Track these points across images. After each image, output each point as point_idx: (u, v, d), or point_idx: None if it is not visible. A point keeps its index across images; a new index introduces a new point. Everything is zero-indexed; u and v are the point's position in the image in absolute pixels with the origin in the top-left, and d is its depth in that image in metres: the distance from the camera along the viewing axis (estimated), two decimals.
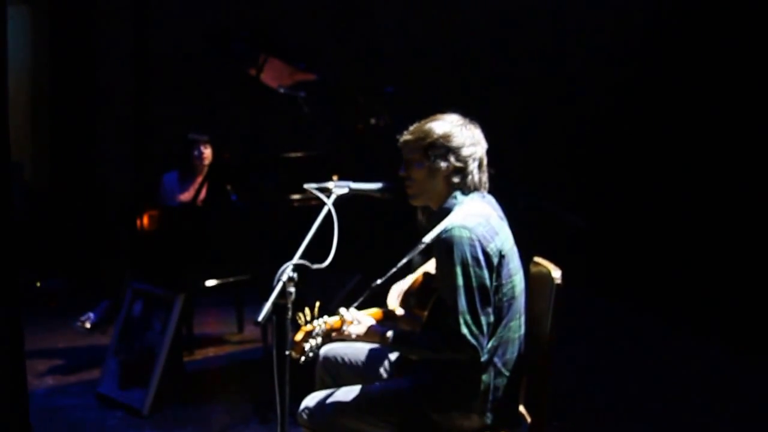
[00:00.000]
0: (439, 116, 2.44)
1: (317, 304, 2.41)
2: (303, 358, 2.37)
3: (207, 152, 4.94)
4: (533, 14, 6.90)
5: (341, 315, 2.41)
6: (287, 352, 2.25)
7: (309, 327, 2.38)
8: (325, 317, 2.40)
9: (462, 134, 2.39)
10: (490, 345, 2.31)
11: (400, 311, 2.55)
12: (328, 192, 2.50)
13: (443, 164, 2.37)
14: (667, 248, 6.07)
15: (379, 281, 2.42)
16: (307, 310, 2.37)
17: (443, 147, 2.37)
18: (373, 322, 2.42)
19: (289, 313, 2.23)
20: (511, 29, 6.87)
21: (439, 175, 2.39)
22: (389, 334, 2.36)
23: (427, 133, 2.39)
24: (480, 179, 2.42)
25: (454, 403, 2.36)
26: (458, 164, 2.38)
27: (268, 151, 5.07)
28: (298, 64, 4.45)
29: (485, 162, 2.44)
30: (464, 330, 2.22)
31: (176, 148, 5.17)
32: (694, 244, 5.83)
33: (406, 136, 2.44)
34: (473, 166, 2.40)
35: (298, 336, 2.37)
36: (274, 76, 4.58)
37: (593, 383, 4.45)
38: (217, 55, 4.93)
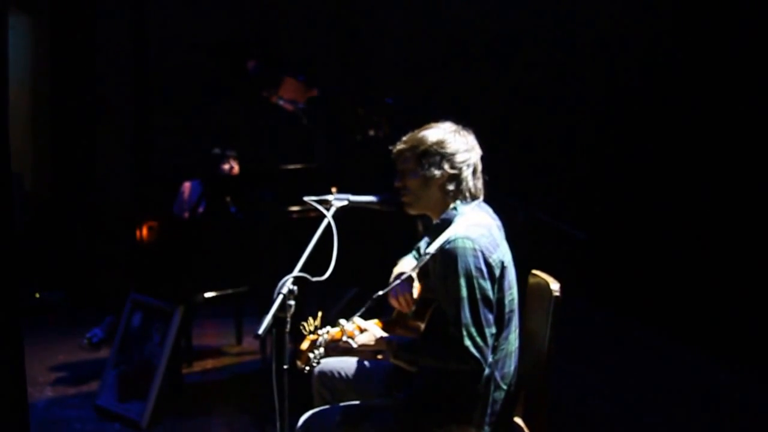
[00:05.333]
0: (433, 124, 2.44)
1: (320, 313, 2.41)
2: (307, 368, 2.37)
3: (236, 166, 5.05)
4: (531, 25, 6.93)
5: (341, 326, 2.41)
6: (286, 366, 2.25)
7: (313, 336, 2.38)
8: (328, 327, 2.40)
9: (455, 141, 2.38)
10: (491, 358, 2.30)
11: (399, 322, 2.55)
12: (327, 204, 2.50)
13: (437, 172, 2.37)
14: (666, 260, 6.07)
15: (380, 292, 2.42)
16: (310, 320, 2.37)
17: (437, 154, 2.36)
18: (377, 329, 2.41)
19: (289, 326, 2.22)
20: (509, 42, 6.90)
21: (433, 184, 2.39)
22: (393, 341, 2.36)
23: (421, 141, 2.39)
24: (475, 186, 2.42)
25: (453, 416, 2.36)
26: (452, 171, 2.37)
27: (267, 162, 5.09)
28: (300, 77, 4.48)
29: (480, 168, 2.44)
30: (467, 342, 2.22)
31: (202, 162, 5.27)
32: (694, 255, 5.83)
33: (399, 146, 2.44)
34: (467, 173, 2.39)
35: (304, 345, 2.37)
36: (286, 94, 4.61)
37: (592, 395, 4.45)
38: (230, 74, 4.96)
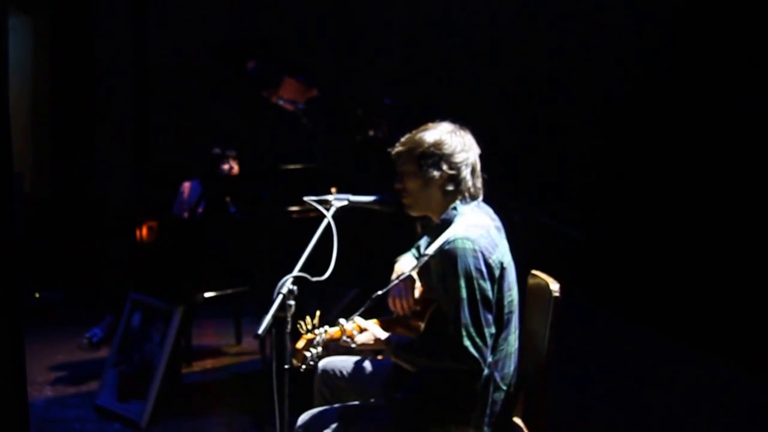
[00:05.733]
0: (430, 125, 2.44)
1: (318, 312, 2.42)
2: (303, 366, 2.38)
3: (235, 166, 5.05)
4: (531, 26, 6.94)
5: (341, 325, 2.41)
6: (286, 366, 2.25)
7: (310, 335, 2.39)
8: (326, 327, 2.41)
9: (452, 141, 2.39)
10: (490, 359, 2.31)
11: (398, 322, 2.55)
12: (327, 204, 2.50)
13: (436, 173, 2.37)
14: (665, 260, 6.08)
15: (379, 292, 2.43)
16: (308, 319, 2.38)
17: (435, 155, 2.37)
18: (378, 329, 2.42)
19: (289, 326, 2.23)
20: (508, 42, 6.91)
21: (433, 185, 2.39)
22: (393, 339, 2.37)
23: (418, 143, 2.39)
24: (474, 185, 2.42)
25: (452, 416, 2.36)
26: (451, 172, 2.37)
27: (267, 162, 5.09)
28: (300, 77, 4.48)
29: (479, 167, 2.44)
30: (467, 342, 2.22)
31: (202, 162, 5.27)
32: (693, 256, 5.84)
33: (398, 148, 2.44)
34: (466, 172, 2.39)
35: (300, 344, 2.38)
36: (286, 94, 4.62)
37: (591, 396, 4.45)
38: (230, 75, 4.97)
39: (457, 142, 2.39)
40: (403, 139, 2.45)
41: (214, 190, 4.55)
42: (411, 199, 2.45)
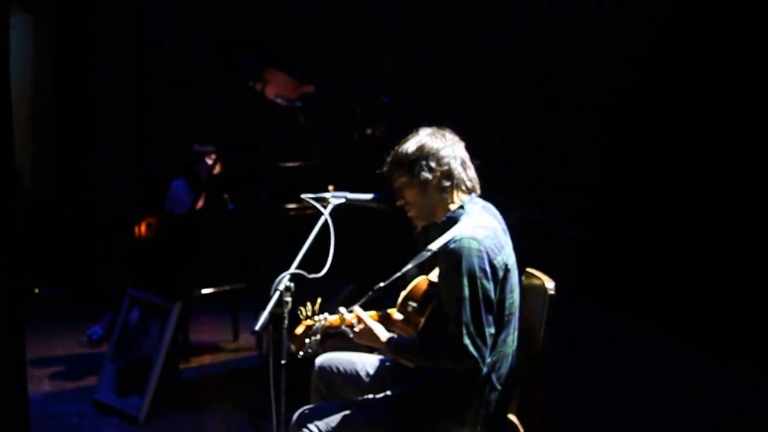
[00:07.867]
0: (408, 137, 2.49)
1: (318, 300, 2.44)
2: (301, 353, 2.40)
3: (213, 162, 5.05)
4: (530, 24, 6.95)
5: (341, 314, 2.44)
6: (283, 362, 2.27)
7: (310, 321, 2.41)
8: (326, 314, 2.43)
9: (434, 141, 2.43)
10: (489, 359, 2.33)
11: (398, 316, 2.57)
12: (324, 202, 2.53)
13: (429, 175, 2.41)
14: (662, 259, 6.09)
15: (382, 284, 2.45)
16: (308, 305, 2.41)
17: (422, 159, 2.41)
18: (376, 324, 2.44)
19: (286, 322, 2.26)
20: (506, 41, 6.92)
21: (430, 187, 2.42)
22: (391, 338, 2.40)
23: (403, 155, 2.44)
24: (468, 176, 2.46)
25: (447, 413, 2.38)
26: (443, 168, 2.41)
27: (265, 160, 5.11)
28: (297, 75, 4.50)
29: (467, 158, 2.48)
30: (466, 340, 2.25)
31: (182, 159, 5.26)
32: (689, 255, 5.86)
33: (386, 168, 2.49)
34: (456, 165, 2.43)
35: (299, 329, 2.41)
36: (278, 89, 4.63)
37: (585, 393, 4.48)
38: (222, 69, 4.99)
39: (440, 141, 2.44)
40: (388, 159, 2.49)
41: (213, 187, 4.56)
42: (415, 210, 2.48)
